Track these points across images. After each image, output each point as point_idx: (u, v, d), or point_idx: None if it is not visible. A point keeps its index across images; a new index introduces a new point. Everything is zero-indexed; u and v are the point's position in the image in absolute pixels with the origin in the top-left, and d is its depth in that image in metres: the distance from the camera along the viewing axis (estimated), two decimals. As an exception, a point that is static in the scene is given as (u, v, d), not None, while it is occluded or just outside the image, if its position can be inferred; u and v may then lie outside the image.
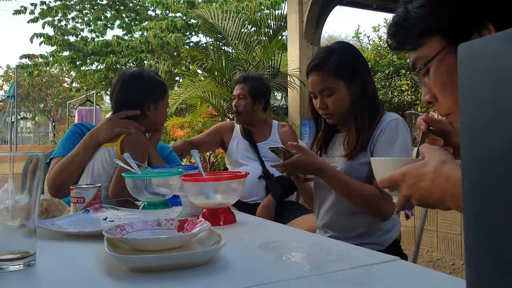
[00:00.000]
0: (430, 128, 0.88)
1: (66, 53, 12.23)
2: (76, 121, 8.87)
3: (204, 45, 12.01)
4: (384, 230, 1.47)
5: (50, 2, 12.26)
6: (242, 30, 6.24)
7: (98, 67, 12.31)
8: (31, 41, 12.28)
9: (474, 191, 0.32)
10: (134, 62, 11.45)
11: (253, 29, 8.84)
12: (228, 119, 5.62)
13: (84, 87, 12.89)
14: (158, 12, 12.99)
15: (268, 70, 5.51)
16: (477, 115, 0.31)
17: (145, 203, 1.30)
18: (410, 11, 0.80)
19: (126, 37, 12.62)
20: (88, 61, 11.97)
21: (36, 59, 13.27)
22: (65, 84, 17.66)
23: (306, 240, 0.97)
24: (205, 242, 0.83)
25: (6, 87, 17.14)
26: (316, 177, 1.50)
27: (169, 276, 0.69)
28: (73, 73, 13.99)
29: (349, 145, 1.43)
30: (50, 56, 12.42)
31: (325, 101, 1.44)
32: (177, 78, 11.52)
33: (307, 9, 5.19)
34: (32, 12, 12.35)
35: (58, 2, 12.22)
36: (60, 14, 12.33)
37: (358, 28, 8.45)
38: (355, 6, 6.20)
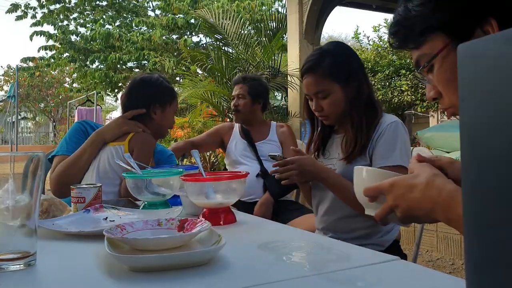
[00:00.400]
0: None
1: (66, 54, 12.23)
2: (76, 120, 8.87)
3: (204, 45, 12.01)
4: (384, 231, 1.46)
5: (49, 6, 12.26)
6: (242, 30, 6.24)
7: (99, 67, 12.30)
8: (31, 39, 12.29)
9: (474, 191, 0.32)
10: (137, 60, 11.43)
11: (253, 30, 8.85)
12: (228, 119, 5.63)
13: (85, 87, 12.90)
14: (158, 12, 12.99)
15: (268, 70, 5.51)
16: (477, 115, 0.31)
17: (146, 203, 1.30)
18: (410, 10, 0.79)
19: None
20: (89, 59, 11.95)
21: (38, 61, 13.28)
22: (65, 85, 17.65)
23: (306, 240, 0.97)
24: (205, 242, 0.83)
25: (6, 88, 17.14)
26: None
27: (169, 276, 0.69)
28: (74, 75, 13.99)
29: (347, 148, 1.42)
30: (51, 58, 12.43)
31: (320, 103, 1.44)
32: (177, 78, 11.51)
33: (307, 9, 5.19)
34: (33, 16, 12.36)
35: (58, 5, 12.22)
36: (61, 17, 12.33)
37: (357, 29, 8.45)
38: (355, 6, 6.20)
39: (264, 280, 0.67)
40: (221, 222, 1.11)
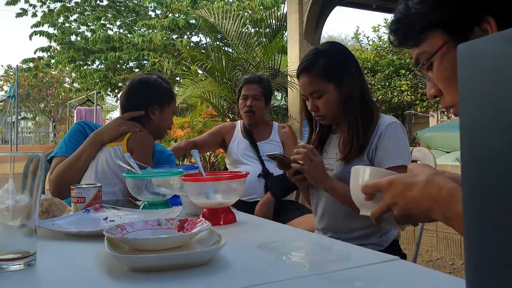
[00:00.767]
0: None
1: (66, 55, 12.24)
2: (75, 121, 8.87)
3: (204, 45, 12.02)
4: (383, 231, 1.46)
5: (49, 3, 12.26)
6: (242, 30, 6.24)
7: (99, 67, 12.31)
8: (30, 38, 12.29)
9: (474, 191, 0.32)
10: (137, 60, 11.44)
11: (253, 30, 8.84)
12: (228, 119, 5.62)
13: (84, 87, 12.90)
14: (159, 12, 12.99)
15: (268, 70, 5.50)
16: (477, 115, 0.31)
17: (146, 203, 1.30)
18: (411, 7, 0.80)
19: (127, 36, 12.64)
20: (89, 59, 11.95)
21: (37, 61, 13.28)
22: (65, 85, 17.65)
23: (306, 240, 0.97)
24: (205, 242, 0.83)
25: (6, 88, 17.13)
26: None
27: (169, 276, 0.69)
28: (73, 74, 14.00)
29: (344, 148, 1.42)
30: (51, 58, 12.43)
31: (316, 103, 1.44)
32: (177, 79, 11.51)
33: (307, 9, 5.19)
34: (34, 15, 12.35)
35: (58, 4, 12.23)
36: (62, 17, 12.34)
37: (357, 30, 8.45)
38: (355, 6, 6.20)
39: (264, 280, 0.67)
40: (221, 222, 1.11)
